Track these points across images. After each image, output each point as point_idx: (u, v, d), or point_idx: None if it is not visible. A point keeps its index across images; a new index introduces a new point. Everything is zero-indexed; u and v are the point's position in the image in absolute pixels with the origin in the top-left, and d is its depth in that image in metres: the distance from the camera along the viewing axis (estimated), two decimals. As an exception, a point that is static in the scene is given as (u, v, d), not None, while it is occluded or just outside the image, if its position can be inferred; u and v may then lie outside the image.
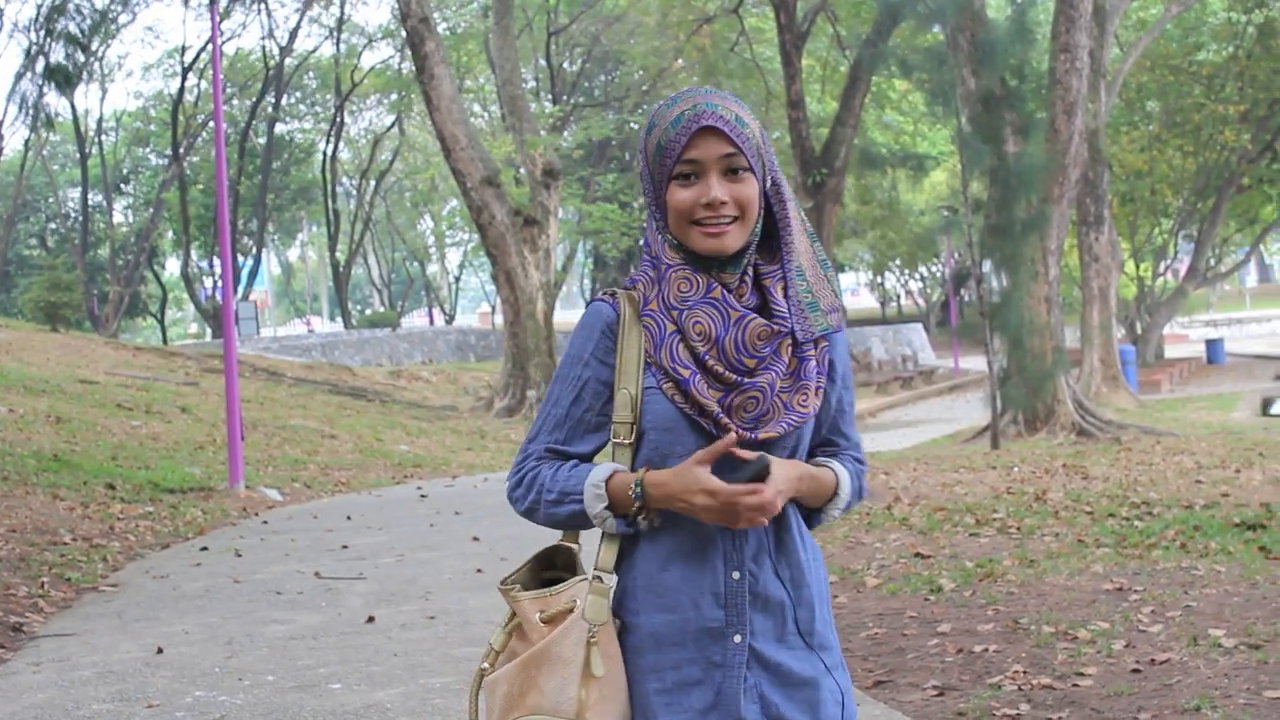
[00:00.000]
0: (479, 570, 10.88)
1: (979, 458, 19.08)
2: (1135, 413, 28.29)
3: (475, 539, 12.62)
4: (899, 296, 75.40)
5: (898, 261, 64.82)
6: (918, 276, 69.60)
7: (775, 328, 2.88)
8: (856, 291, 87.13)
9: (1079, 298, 32.46)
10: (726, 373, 2.84)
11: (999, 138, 22.20)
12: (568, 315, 74.04)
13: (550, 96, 50.90)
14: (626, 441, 2.92)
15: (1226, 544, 10.58)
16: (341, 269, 61.50)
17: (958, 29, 22.64)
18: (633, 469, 2.89)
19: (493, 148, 32.72)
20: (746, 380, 2.85)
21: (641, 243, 3.37)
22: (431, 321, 74.67)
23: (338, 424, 25.37)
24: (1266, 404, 34.50)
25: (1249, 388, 36.93)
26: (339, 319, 71.80)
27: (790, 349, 2.92)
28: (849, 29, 37.72)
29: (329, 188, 59.68)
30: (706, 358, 2.85)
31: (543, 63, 51.35)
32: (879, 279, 72.50)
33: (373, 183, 64.02)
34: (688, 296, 2.88)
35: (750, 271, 2.94)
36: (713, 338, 2.85)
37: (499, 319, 48.82)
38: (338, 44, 57.59)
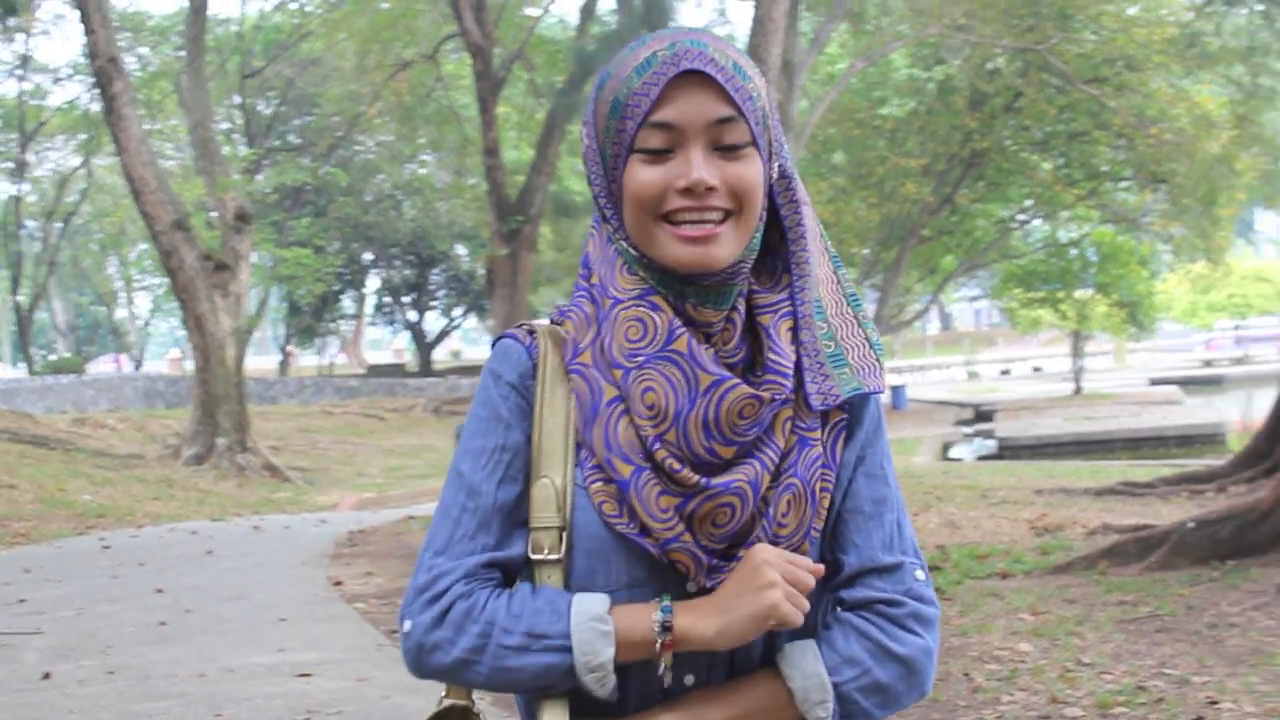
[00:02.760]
0: (162, 623, 10.65)
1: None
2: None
3: (159, 590, 12.35)
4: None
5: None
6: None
7: (768, 395, 1.95)
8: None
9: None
10: (684, 470, 1.92)
11: (691, 188, 22.55)
12: (259, 361, 72.95)
13: (245, 139, 50.21)
14: (554, 557, 1.98)
15: (903, 585, 10.91)
16: (24, 313, 59.64)
17: (650, 81, 22.98)
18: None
19: (185, 190, 32.15)
20: (715, 481, 1.93)
21: (581, 261, 2.14)
22: (119, 368, 72.90)
23: (17, 473, 24.57)
24: (946, 448, 35.61)
25: (930, 433, 38.03)
26: (21, 365, 69.56)
27: (789, 424, 1.99)
28: (545, 77, 37.98)
29: (11, 230, 57.86)
30: (656, 445, 1.93)
31: (238, 103, 50.64)
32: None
33: (59, 225, 62.26)
34: (639, 348, 1.95)
35: (741, 306, 2.00)
36: (669, 414, 1.92)
37: (189, 365, 47.90)
38: (21, 82, 55.95)
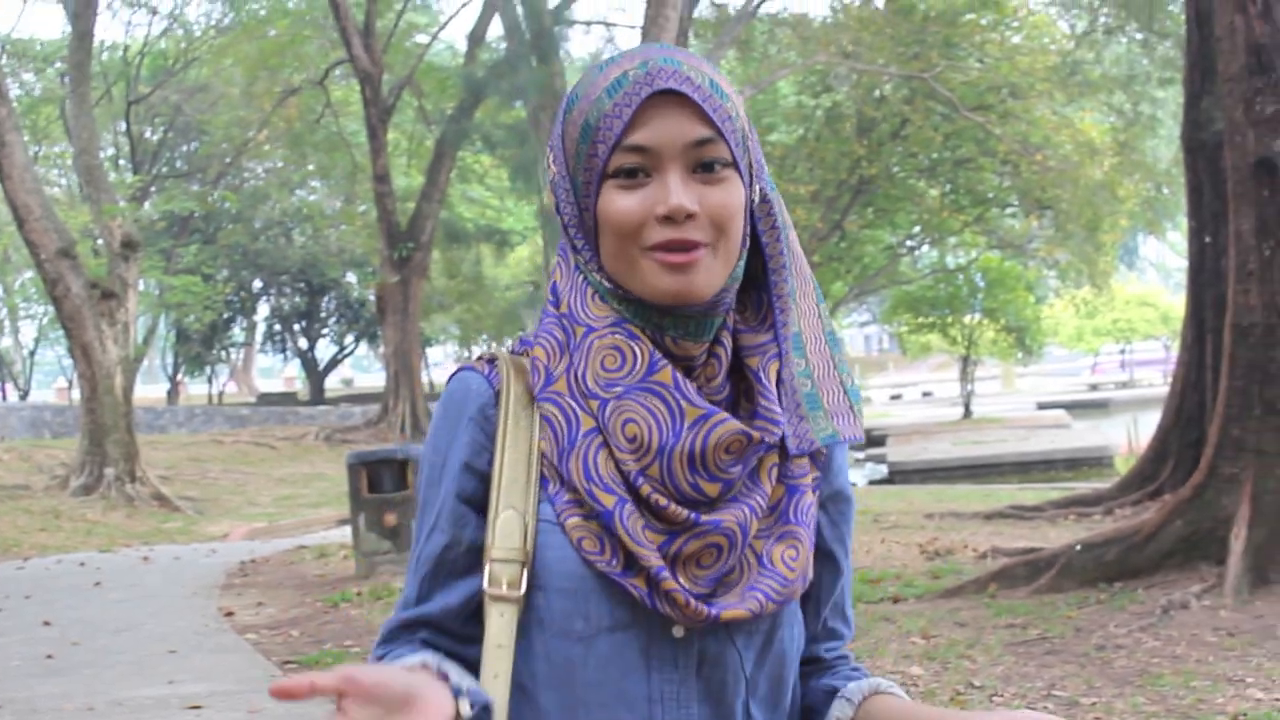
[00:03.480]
0: (49, 656, 10.52)
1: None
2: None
3: (46, 623, 12.20)
4: (486, 370, 75.60)
5: (485, 335, 65.26)
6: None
7: (756, 435, 1.81)
8: (443, 365, 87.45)
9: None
10: (671, 505, 1.77)
11: (580, 215, 22.58)
12: (148, 390, 72.11)
13: (131, 166, 49.71)
14: (513, 595, 1.80)
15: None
16: (-94, 342, 58.76)
17: (539, 107, 23.04)
18: (518, 645, 1.82)
19: (70, 218, 31.77)
20: (705, 518, 1.78)
21: (548, 290, 1.95)
22: (4, 397, 71.90)
23: (-100, 505, 24.22)
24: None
25: (822, 457, 38.16)
26: (-97, 395, 68.45)
27: (775, 470, 1.85)
28: (435, 104, 38.01)
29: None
30: (640, 480, 1.78)
31: (124, 129, 50.14)
32: (466, 353, 72.75)
33: (-59, 252, 61.41)
34: (616, 378, 1.81)
35: (727, 341, 1.86)
36: (652, 448, 1.78)
37: (76, 394, 47.34)
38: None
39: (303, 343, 62.26)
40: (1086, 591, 10.84)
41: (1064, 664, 8.58)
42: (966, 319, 45.21)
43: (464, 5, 78.78)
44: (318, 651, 10.40)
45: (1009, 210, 41.21)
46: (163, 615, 12.67)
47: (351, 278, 58.92)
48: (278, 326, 63.26)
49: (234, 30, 42.49)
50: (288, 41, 39.35)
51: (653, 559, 1.74)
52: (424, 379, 45.28)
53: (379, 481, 14.71)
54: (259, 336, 67.12)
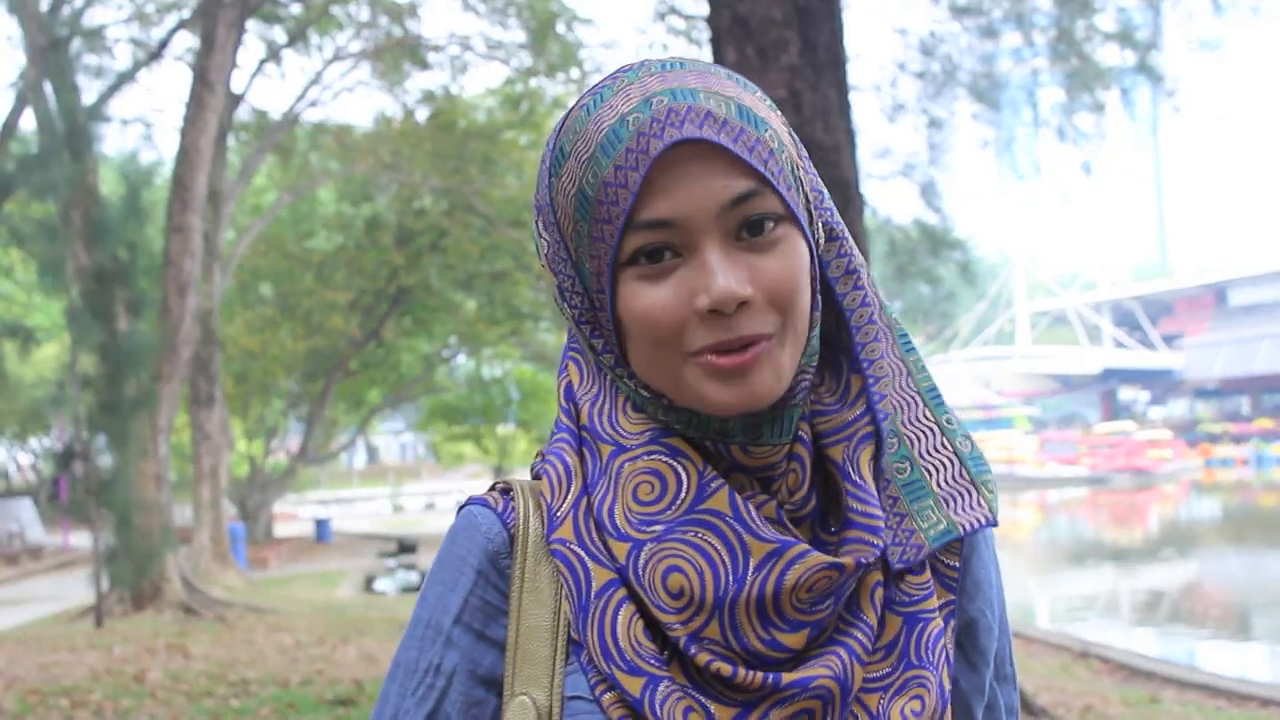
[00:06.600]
0: None
1: (81, 637, 18.77)
2: (244, 590, 28.56)
3: None
4: (9, 470, 72.94)
5: (8, 434, 62.80)
6: (29, 450, 67.59)
7: (849, 562, 1.36)
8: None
9: (191, 475, 32.57)
10: (740, 671, 1.33)
11: (110, 314, 22.13)
12: None
13: None
14: None
15: None
16: None
17: (71, 204, 22.53)
18: None
19: None
20: (787, 678, 1.33)
21: (561, 392, 1.47)
22: None
23: None
24: (369, 581, 35.70)
25: (353, 565, 37.98)
26: None
27: (880, 592, 1.39)
28: (-38, 195, 36.63)
29: None
30: (692, 647, 1.34)
31: None
32: (-13, 453, 69.94)
33: None
34: (654, 514, 1.37)
35: (805, 433, 1.41)
36: (706, 603, 1.34)
37: None
38: None
39: None
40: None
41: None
42: (500, 429, 45.79)
43: (-5, 94, 76.42)
44: None
45: (543, 324, 42.06)
46: None
47: None
48: None
49: None
50: None
51: None
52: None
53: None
54: None
